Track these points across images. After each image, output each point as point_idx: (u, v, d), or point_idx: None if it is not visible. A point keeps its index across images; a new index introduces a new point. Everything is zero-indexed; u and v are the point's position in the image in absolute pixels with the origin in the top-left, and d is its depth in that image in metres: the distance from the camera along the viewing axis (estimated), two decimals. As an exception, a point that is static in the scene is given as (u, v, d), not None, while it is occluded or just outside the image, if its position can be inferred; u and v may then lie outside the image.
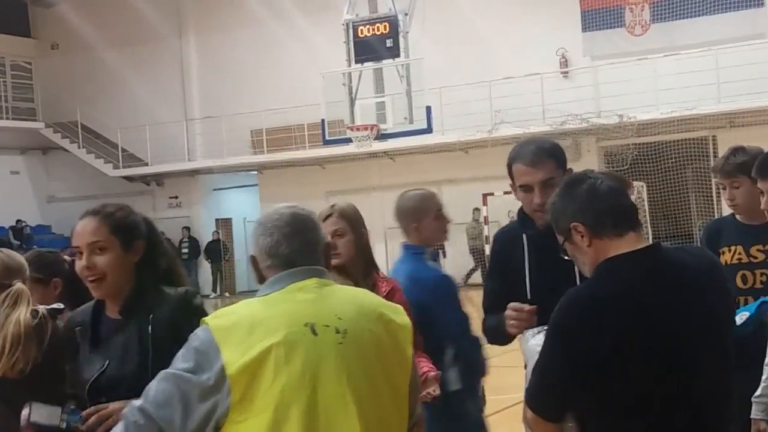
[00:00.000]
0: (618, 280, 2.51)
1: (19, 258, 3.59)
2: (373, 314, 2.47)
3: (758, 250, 4.00)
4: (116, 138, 27.35)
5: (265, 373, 2.31)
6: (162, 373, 2.40)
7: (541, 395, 2.57)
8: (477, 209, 22.61)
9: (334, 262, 3.20)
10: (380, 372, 2.41)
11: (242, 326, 2.36)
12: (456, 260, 24.26)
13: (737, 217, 4.13)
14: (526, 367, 2.85)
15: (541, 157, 3.31)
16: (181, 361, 2.38)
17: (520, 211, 3.45)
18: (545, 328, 2.76)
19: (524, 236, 3.36)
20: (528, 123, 21.47)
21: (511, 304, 3.17)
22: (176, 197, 28.35)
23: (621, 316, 2.45)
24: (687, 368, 2.50)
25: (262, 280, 2.53)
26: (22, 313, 3.23)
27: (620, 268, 2.53)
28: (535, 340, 2.82)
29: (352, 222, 3.77)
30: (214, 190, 28.61)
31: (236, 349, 2.32)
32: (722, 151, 4.36)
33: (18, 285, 3.39)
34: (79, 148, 27.88)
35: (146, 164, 27.55)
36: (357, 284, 3.29)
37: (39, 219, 28.74)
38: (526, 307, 3.11)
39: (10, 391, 3.15)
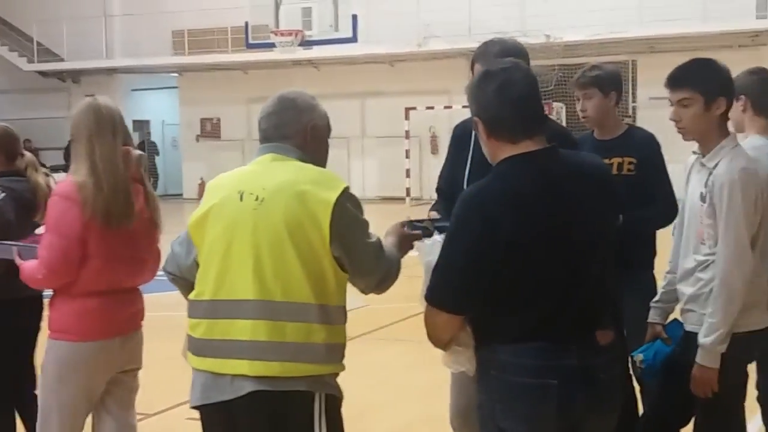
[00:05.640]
0: (513, 178, 2.61)
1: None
2: (293, 189, 2.77)
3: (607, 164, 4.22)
4: (31, 31, 26.38)
5: (207, 228, 2.84)
6: None
7: (443, 285, 2.64)
8: None
9: None
10: (287, 237, 2.74)
11: (210, 187, 2.93)
12: (381, 173, 24.37)
13: (594, 133, 4.48)
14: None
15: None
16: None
17: None
18: (438, 239, 2.89)
19: (473, 131, 3.51)
20: (455, 39, 21.41)
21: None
22: (92, 95, 27.51)
23: (515, 212, 2.56)
24: (576, 267, 2.62)
25: None
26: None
27: (516, 167, 2.63)
28: (431, 250, 2.89)
29: (73, 127, 3.67)
30: (133, 90, 27.98)
31: (200, 206, 2.89)
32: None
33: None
34: (-9, 39, 26.90)
35: (62, 60, 26.73)
36: None
37: (-52, 111, 27.81)
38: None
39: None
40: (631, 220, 3.95)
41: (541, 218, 2.58)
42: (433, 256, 2.77)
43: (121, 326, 3.63)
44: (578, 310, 2.63)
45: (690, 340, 3.34)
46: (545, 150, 2.67)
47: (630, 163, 4.30)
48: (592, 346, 2.65)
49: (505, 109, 2.64)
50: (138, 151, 3.69)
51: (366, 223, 2.86)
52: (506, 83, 2.65)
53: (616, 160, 4.28)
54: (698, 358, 3.27)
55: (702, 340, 3.26)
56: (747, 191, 3.25)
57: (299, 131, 2.90)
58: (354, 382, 2.93)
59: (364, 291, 2.95)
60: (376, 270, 2.88)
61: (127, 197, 3.54)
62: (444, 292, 2.64)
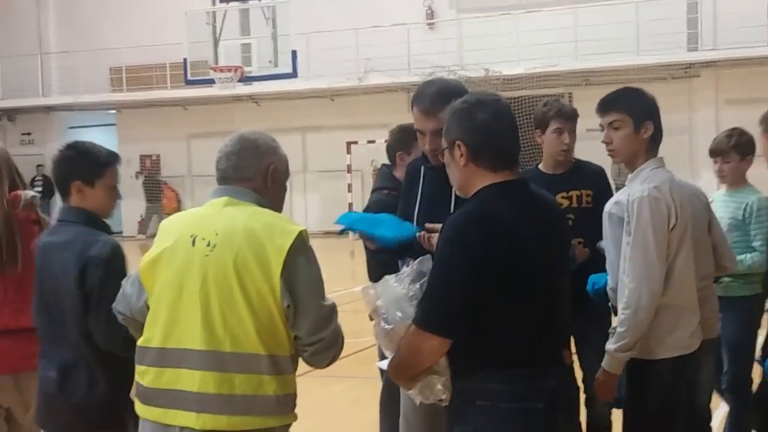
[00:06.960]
0: (501, 205, 2.66)
1: None
2: (245, 235, 2.66)
3: (563, 197, 4.34)
4: (-36, 69, 25.97)
5: (158, 272, 2.75)
6: None
7: (441, 310, 2.60)
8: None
9: None
10: (237, 286, 2.64)
11: (163, 228, 2.83)
12: (323, 207, 24.38)
13: (540, 167, 4.54)
14: (378, 313, 2.86)
15: (436, 106, 3.24)
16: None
17: None
18: (404, 273, 2.86)
19: (422, 168, 3.52)
20: (396, 72, 21.57)
21: (429, 225, 3.28)
22: (29, 134, 27.20)
23: (509, 236, 2.60)
24: (555, 290, 2.71)
25: None
26: None
27: (501, 195, 2.68)
28: (400, 284, 2.85)
29: None
30: (70, 128, 27.60)
31: (152, 248, 2.79)
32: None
33: None
34: None
35: (-3, 98, 26.33)
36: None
37: None
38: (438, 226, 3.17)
39: None
40: (595, 251, 3.96)
41: (530, 244, 2.64)
42: (400, 287, 2.78)
43: (14, 364, 3.61)
44: (557, 332, 2.72)
45: (631, 362, 3.38)
46: (521, 181, 2.76)
47: (588, 195, 4.39)
48: (564, 365, 2.75)
49: (495, 138, 2.70)
50: (30, 193, 3.65)
51: (321, 282, 2.75)
52: (498, 113, 2.71)
53: (574, 193, 4.36)
54: (603, 362, 3.37)
55: (607, 346, 3.35)
56: (656, 209, 3.30)
57: (259, 174, 2.81)
58: (297, 422, 2.87)
59: (306, 354, 2.78)
60: (324, 331, 2.74)
61: (11, 244, 3.56)
62: (442, 317, 2.61)
